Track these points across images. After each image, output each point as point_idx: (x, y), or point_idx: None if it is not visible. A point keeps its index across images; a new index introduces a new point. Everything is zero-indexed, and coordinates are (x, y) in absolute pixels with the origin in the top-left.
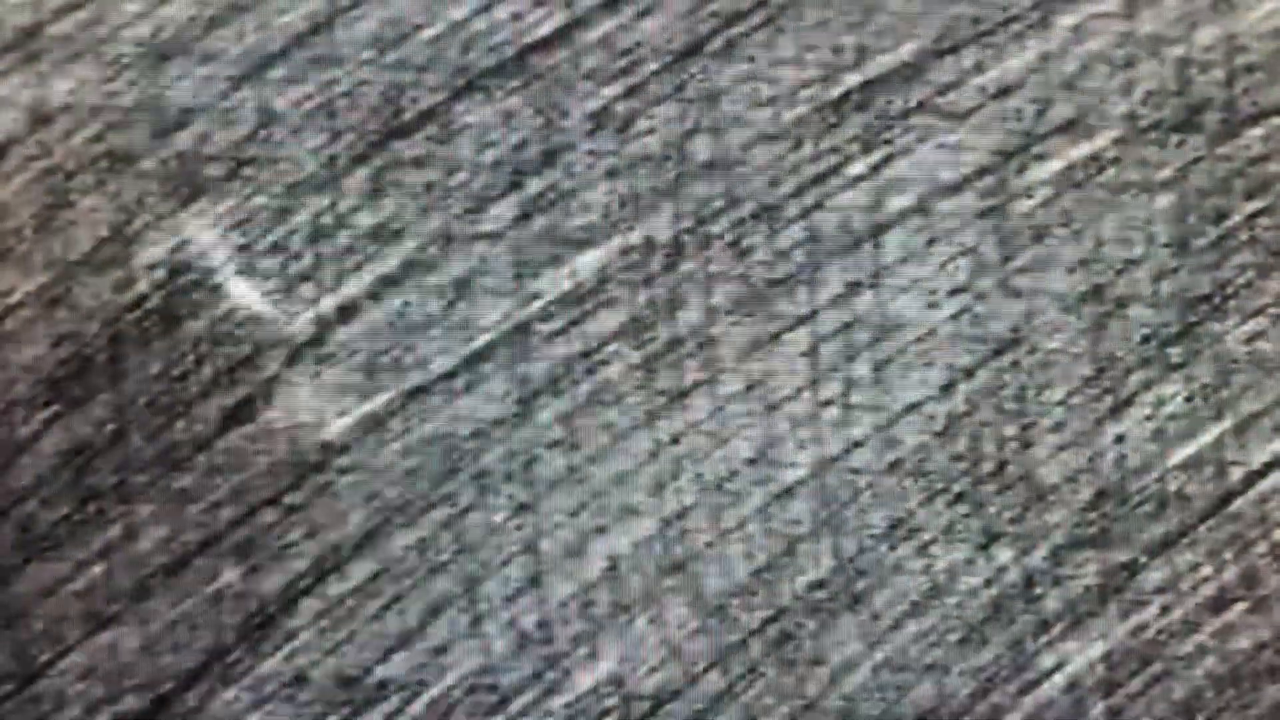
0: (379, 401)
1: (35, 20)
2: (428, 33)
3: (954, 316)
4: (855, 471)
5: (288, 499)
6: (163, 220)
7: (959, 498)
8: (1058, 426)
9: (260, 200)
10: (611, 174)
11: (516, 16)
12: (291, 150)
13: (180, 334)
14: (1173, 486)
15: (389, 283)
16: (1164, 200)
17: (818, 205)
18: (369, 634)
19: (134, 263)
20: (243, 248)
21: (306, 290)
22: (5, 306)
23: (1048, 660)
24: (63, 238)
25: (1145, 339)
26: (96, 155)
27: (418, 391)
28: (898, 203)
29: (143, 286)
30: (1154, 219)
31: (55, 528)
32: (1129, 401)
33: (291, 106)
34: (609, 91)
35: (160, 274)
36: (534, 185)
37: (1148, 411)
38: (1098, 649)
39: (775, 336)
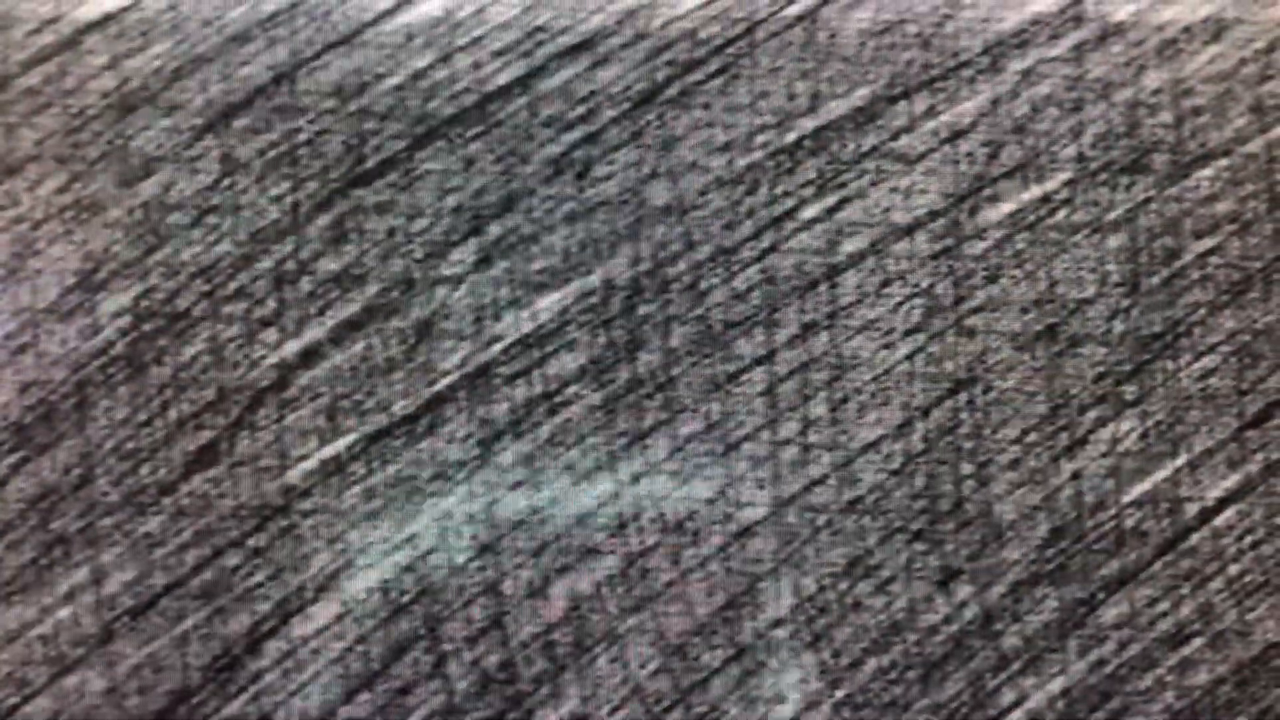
0: (341, 444)
1: (3, 73)
2: (389, 82)
3: (909, 356)
4: (814, 510)
5: (252, 542)
6: (128, 268)
7: (917, 535)
8: (1014, 464)
9: (224, 247)
10: (570, 219)
11: (476, 65)
12: (254, 198)
13: (145, 380)
14: (1129, 523)
15: (351, 327)
16: (1115, 240)
17: (773, 248)
18: (333, 675)
19: (100, 310)
20: (208, 294)
21: (270, 335)
22: None
23: (1007, 696)
24: (30, 285)
25: (1099, 377)
26: (63, 204)
27: (380, 434)
28: (852, 245)
29: (108, 333)
30: (1106, 259)
31: (21, 572)
32: (1084, 439)
33: (255, 155)
34: (567, 138)
35: (125, 321)
36: (494, 230)
37: (1103, 449)
38: (1057, 685)
39: (733, 377)
